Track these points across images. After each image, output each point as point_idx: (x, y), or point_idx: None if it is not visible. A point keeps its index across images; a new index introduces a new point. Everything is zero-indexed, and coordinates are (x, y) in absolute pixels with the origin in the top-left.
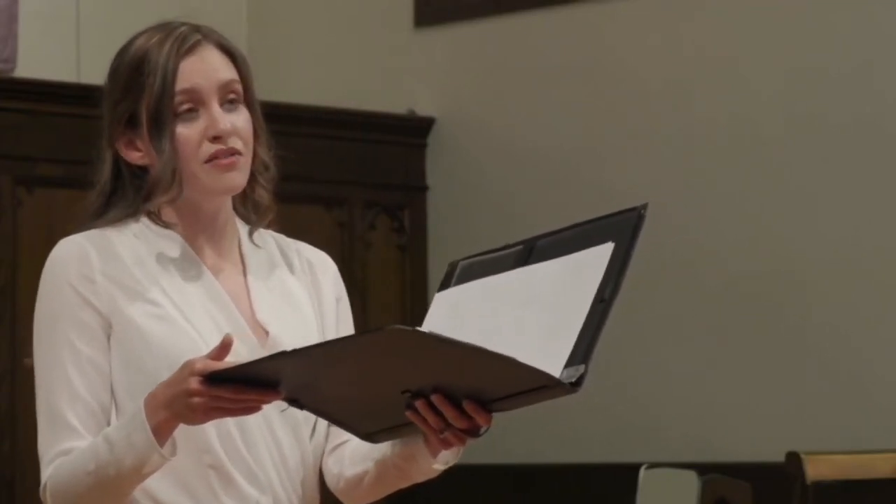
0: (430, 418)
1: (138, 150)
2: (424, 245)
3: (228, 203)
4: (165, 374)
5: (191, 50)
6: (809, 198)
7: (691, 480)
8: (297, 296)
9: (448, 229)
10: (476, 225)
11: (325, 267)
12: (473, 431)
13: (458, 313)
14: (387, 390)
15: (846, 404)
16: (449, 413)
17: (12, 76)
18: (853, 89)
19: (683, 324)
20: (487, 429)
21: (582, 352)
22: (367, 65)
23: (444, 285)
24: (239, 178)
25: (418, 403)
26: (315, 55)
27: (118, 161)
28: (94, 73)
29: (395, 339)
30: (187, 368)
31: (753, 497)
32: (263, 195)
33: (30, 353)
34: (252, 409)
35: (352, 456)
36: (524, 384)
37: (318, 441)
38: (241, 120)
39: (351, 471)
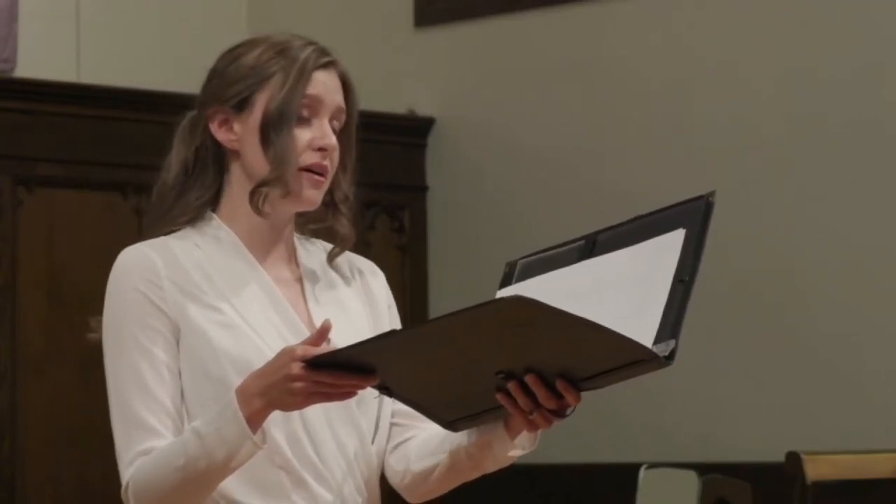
0: (522, 399)
1: (234, 133)
2: (424, 245)
3: (294, 215)
4: (232, 380)
5: (327, 65)
6: (809, 198)
7: (691, 480)
8: (351, 305)
9: (448, 229)
10: (476, 225)
11: (374, 274)
12: (561, 412)
13: None
14: (479, 371)
15: (846, 404)
16: (541, 393)
17: (12, 76)
18: (853, 90)
19: (683, 323)
20: (574, 409)
21: (670, 328)
22: (367, 65)
23: (505, 283)
24: (318, 197)
25: (511, 385)
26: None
27: (202, 143)
28: (94, 73)
29: (509, 310)
30: (287, 355)
31: (753, 497)
32: (345, 224)
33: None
34: (349, 394)
35: (418, 451)
36: (618, 360)
37: (381, 443)
38: (337, 146)
39: (419, 465)
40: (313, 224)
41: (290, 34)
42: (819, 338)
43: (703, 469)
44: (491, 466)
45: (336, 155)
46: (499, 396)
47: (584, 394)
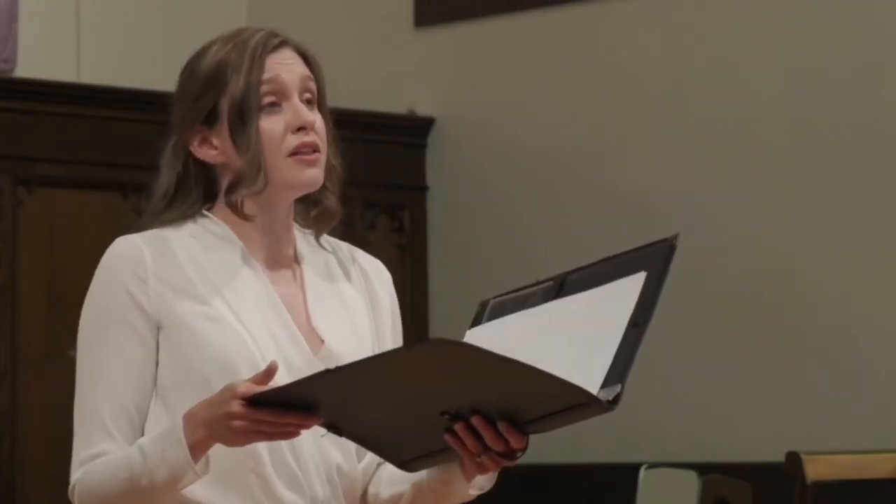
0: (469, 441)
1: (214, 147)
2: (424, 245)
3: (292, 208)
4: (215, 374)
5: (275, 48)
6: (809, 198)
7: (691, 480)
8: (353, 305)
9: (448, 229)
10: (476, 225)
11: (381, 277)
12: (510, 455)
13: (491, 347)
14: (424, 411)
15: (846, 404)
16: (487, 435)
17: (12, 76)
18: (853, 89)
19: (683, 324)
20: (523, 452)
21: (618, 372)
22: (367, 65)
23: (475, 323)
24: (319, 175)
25: (457, 426)
26: (315, 55)
27: (186, 163)
28: (94, 73)
29: (439, 353)
30: (229, 392)
31: (753, 497)
32: (331, 199)
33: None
34: (291, 433)
35: (389, 477)
36: (563, 403)
37: (368, 462)
38: (318, 119)
39: (387, 492)
40: (299, 202)
41: (238, 29)
42: (819, 338)
43: (703, 469)
44: (455, 500)
45: (321, 128)
46: (447, 438)
47: None
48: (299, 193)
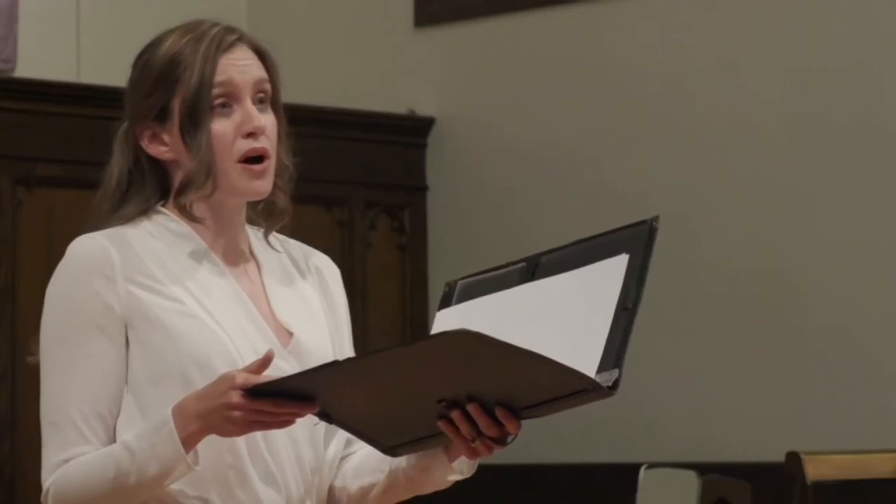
0: (464, 427)
1: (164, 144)
2: (424, 245)
3: (244, 206)
4: (192, 370)
5: (229, 47)
6: (809, 198)
7: (691, 480)
8: (310, 300)
9: (448, 229)
10: (476, 225)
11: (332, 273)
12: (502, 440)
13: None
14: (421, 400)
15: (846, 404)
16: (483, 422)
17: (12, 76)
18: (853, 89)
19: (683, 323)
20: (515, 437)
21: (613, 357)
22: (367, 65)
23: (444, 304)
24: (267, 185)
25: (454, 413)
26: (315, 55)
27: (139, 155)
28: (94, 73)
29: (455, 344)
30: (227, 382)
31: (753, 497)
32: (281, 198)
33: (32, 352)
34: (288, 422)
35: (355, 469)
36: (561, 389)
37: (339, 448)
38: (269, 121)
39: (356, 484)
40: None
41: (195, 21)
42: (819, 337)
43: (702, 469)
44: (429, 489)
45: (272, 130)
46: (441, 424)
47: None
48: (247, 200)
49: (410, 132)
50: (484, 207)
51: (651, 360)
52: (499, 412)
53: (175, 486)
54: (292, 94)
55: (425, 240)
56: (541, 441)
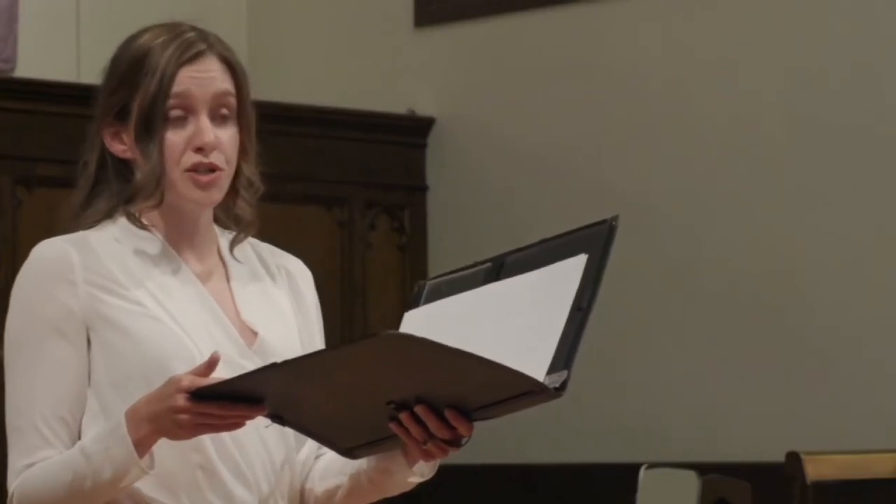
0: (414, 430)
1: (123, 143)
2: (424, 245)
3: (210, 209)
4: (154, 373)
5: (193, 58)
6: (809, 198)
7: (691, 480)
8: (279, 302)
9: (448, 229)
10: (476, 225)
11: (304, 276)
12: (455, 442)
13: (431, 330)
14: (370, 402)
15: (846, 404)
16: (432, 423)
17: (12, 76)
18: (853, 89)
19: (683, 324)
20: (469, 439)
21: (564, 358)
22: (367, 65)
23: (413, 305)
24: (215, 195)
25: (403, 416)
26: (315, 55)
27: (104, 151)
28: (94, 73)
29: (387, 346)
30: (173, 385)
31: (753, 497)
32: (246, 209)
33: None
34: (237, 424)
35: (322, 471)
36: (509, 391)
37: (312, 448)
38: (226, 135)
39: (322, 486)
40: (218, 210)
41: (174, 22)
42: (818, 337)
43: (703, 469)
44: (392, 491)
45: (228, 146)
46: (392, 426)
47: (581, 394)
48: (194, 208)
49: (410, 132)
50: (484, 207)
51: (651, 361)
52: (448, 414)
53: (144, 489)
54: (292, 94)
55: (425, 240)
56: (541, 441)
